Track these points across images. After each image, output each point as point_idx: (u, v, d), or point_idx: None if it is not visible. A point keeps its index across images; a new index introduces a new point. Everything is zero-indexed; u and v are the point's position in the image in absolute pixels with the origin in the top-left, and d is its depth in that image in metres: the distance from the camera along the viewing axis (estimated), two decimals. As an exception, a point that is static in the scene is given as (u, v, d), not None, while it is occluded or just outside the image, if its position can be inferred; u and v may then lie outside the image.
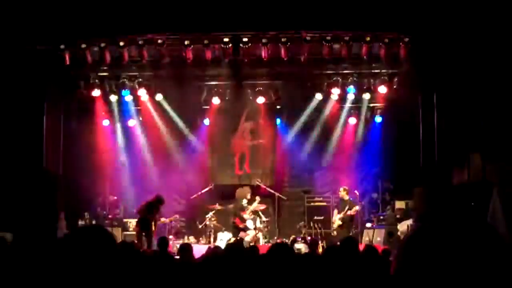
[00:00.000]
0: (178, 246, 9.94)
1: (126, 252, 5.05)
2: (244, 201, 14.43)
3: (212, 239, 14.26)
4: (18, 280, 3.66)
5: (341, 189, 14.47)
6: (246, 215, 14.26)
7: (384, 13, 12.00)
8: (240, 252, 4.12)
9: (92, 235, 2.06)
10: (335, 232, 14.13)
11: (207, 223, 14.65)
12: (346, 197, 14.27)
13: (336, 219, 14.16)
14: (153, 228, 13.05)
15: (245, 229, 14.14)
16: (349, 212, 14.06)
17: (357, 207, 14.18)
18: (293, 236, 13.90)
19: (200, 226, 14.94)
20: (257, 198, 14.67)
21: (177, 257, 8.15)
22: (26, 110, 13.34)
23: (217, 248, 7.77)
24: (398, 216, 14.68)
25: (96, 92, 14.88)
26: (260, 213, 14.72)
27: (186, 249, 8.08)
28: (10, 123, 12.93)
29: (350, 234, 13.90)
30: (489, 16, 11.40)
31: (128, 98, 15.34)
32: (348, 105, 15.93)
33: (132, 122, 16.26)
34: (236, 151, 16.63)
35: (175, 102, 15.78)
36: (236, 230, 14.14)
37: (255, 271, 4.15)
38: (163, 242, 9.52)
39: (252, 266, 4.30)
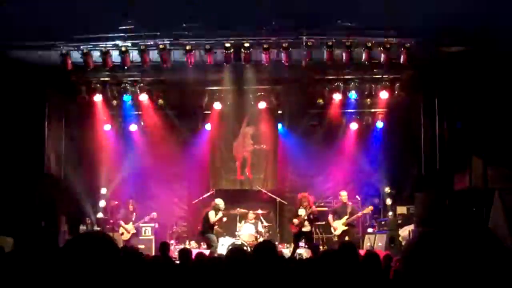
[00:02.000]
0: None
1: (127, 258, 5.04)
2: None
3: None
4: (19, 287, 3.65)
5: (343, 193, 14.24)
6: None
7: (385, 18, 12.01)
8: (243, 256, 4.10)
9: (94, 242, 2.06)
10: (336, 238, 13.82)
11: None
12: (347, 201, 14.16)
13: (339, 225, 13.85)
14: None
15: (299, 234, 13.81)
16: (360, 213, 13.90)
17: (370, 207, 14.12)
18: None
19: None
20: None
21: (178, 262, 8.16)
22: (27, 115, 13.35)
23: (202, 254, 7.78)
24: (399, 221, 14.65)
25: (98, 97, 14.90)
26: (261, 218, 14.70)
27: (185, 253, 8.08)
28: (12, 128, 12.94)
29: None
30: (489, 17, 11.40)
31: (130, 103, 15.37)
32: (349, 110, 15.94)
33: (134, 127, 16.28)
34: (237, 156, 16.63)
35: (177, 107, 15.81)
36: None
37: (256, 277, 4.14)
38: (164, 247, 9.51)
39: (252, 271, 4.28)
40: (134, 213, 14.47)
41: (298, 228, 13.45)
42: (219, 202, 13.94)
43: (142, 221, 14.49)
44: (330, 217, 14.17)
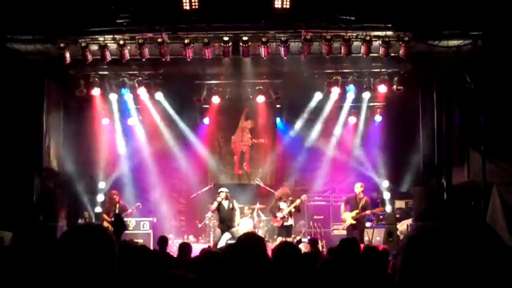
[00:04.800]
0: (177, 245, 9.93)
1: (124, 251, 5.02)
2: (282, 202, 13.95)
3: (211, 238, 14.25)
4: (17, 280, 3.65)
5: (359, 185, 13.80)
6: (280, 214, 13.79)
7: (384, 11, 11.99)
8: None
9: (90, 234, 2.05)
10: (344, 231, 13.56)
11: (207, 222, 14.65)
12: (362, 195, 13.73)
13: (348, 217, 13.51)
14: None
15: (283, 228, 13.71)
16: (368, 211, 13.59)
17: (381, 208, 14.07)
18: (298, 237, 13.65)
19: (199, 225, 14.94)
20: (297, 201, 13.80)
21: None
22: (25, 109, 13.32)
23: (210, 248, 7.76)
24: (397, 215, 14.67)
25: (96, 91, 14.85)
26: (259, 212, 14.70)
27: (184, 248, 8.09)
28: (9, 122, 12.92)
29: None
30: (488, 12, 11.39)
31: (128, 96, 15.32)
32: (348, 104, 15.92)
33: (132, 121, 16.26)
34: (236, 150, 16.63)
35: (175, 101, 15.77)
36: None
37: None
38: (162, 241, 9.51)
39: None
40: (117, 205, 14.19)
41: (281, 222, 13.45)
42: (220, 189, 13.77)
43: (125, 214, 14.33)
44: (343, 206, 13.90)
